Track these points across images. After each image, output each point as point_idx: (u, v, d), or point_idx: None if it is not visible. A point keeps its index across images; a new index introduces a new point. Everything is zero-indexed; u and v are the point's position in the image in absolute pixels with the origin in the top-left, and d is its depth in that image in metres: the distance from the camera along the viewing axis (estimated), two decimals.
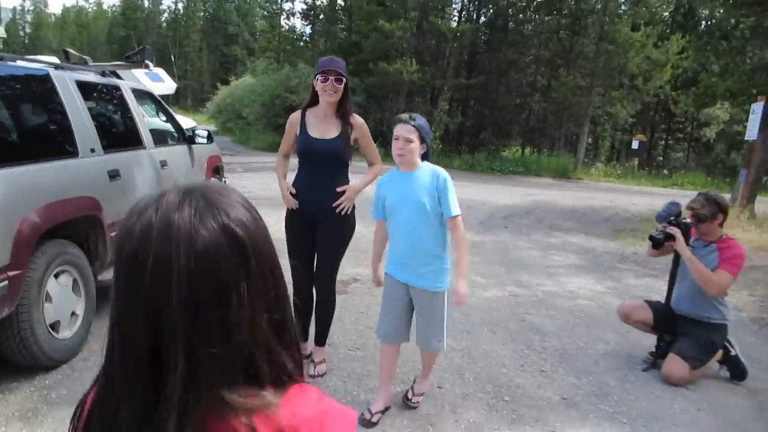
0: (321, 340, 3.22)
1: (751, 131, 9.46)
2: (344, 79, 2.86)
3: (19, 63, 3.37)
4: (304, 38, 28.48)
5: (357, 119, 3.02)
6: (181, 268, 0.60)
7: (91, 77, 4.10)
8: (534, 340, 3.85)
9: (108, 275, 3.71)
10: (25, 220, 2.76)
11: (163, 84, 14.04)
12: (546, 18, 21.62)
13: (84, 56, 4.42)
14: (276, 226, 5.90)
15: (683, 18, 25.18)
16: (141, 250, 0.61)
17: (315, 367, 3.13)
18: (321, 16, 27.33)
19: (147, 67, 4.61)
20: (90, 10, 72.51)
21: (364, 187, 3.04)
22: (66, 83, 3.48)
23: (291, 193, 3.02)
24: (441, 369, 3.27)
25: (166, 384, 0.61)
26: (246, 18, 48.48)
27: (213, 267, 0.62)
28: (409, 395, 2.80)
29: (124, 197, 3.83)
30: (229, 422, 0.63)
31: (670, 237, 3.32)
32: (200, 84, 48.62)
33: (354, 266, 5.36)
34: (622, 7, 21.09)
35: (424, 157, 2.57)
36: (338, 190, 2.96)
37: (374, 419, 2.63)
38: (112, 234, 3.65)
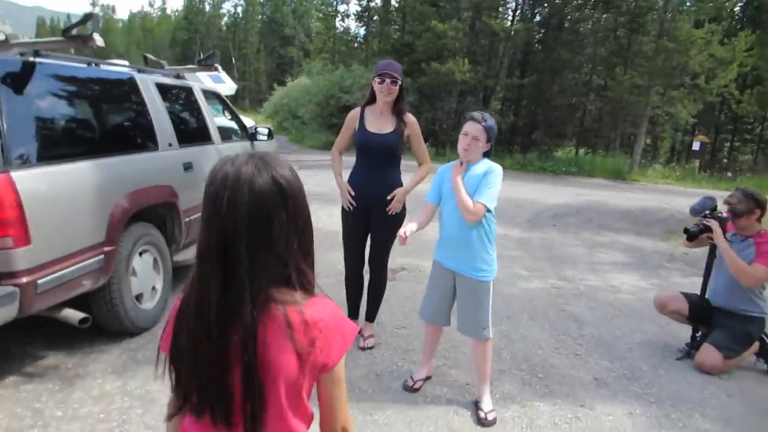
0: (371, 316, 3.55)
1: None
2: (399, 81, 3.15)
3: (109, 67, 3.85)
4: (358, 39, 29.00)
5: (410, 118, 3.29)
6: (245, 199, 0.96)
7: (167, 79, 4.57)
8: (572, 328, 4.03)
9: (182, 256, 4.16)
10: (117, 204, 3.21)
11: (224, 85, 14.73)
12: (603, 16, 21.19)
13: (161, 60, 4.91)
14: (328, 221, 6.28)
15: (755, 11, 24.01)
16: (221, 189, 0.98)
17: (364, 341, 3.45)
18: (375, 18, 27.82)
19: (216, 70, 5.06)
20: (155, 15, 76.08)
21: (412, 188, 3.32)
22: (147, 85, 3.94)
23: (348, 192, 3.33)
24: None
25: (236, 272, 0.96)
26: (302, 20, 49.71)
27: (264, 201, 0.98)
28: (481, 415, 2.71)
29: (196, 187, 4.26)
30: (270, 308, 0.98)
31: (707, 229, 3.44)
32: (258, 85, 50.24)
33: (403, 257, 5.65)
34: (687, 3, 20.40)
35: (486, 154, 2.71)
36: (389, 197, 3.26)
37: (416, 386, 2.92)
38: (186, 219, 4.10)
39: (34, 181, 2.59)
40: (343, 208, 3.43)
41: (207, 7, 61.11)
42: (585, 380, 3.20)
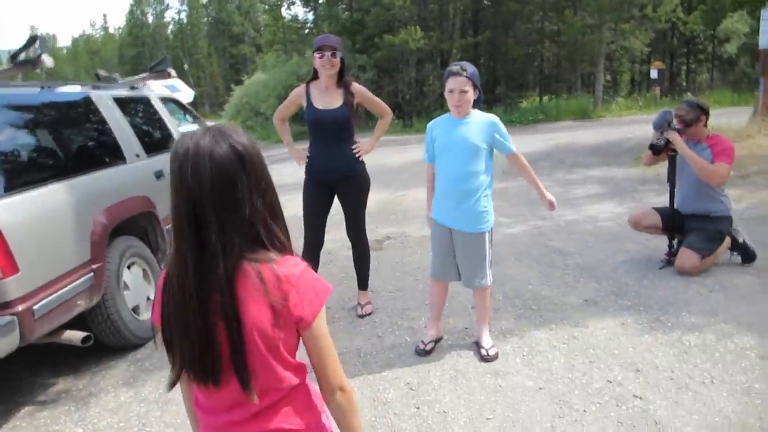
0: (363, 284, 3.63)
1: (764, 39, 9.31)
2: (339, 53, 3.16)
3: (62, 89, 3.84)
4: (307, 25, 28.60)
5: (356, 86, 3.32)
6: (207, 169, 1.02)
7: (123, 92, 4.56)
8: (557, 260, 4.18)
9: None
10: (96, 221, 3.23)
11: (181, 93, 14.55)
12: None
13: (113, 75, 4.88)
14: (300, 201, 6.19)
15: None
16: (184, 162, 1.03)
17: (362, 308, 3.55)
18: (321, 1, 27.46)
19: (170, 75, 5.05)
20: (98, 36, 74.10)
21: (376, 139, 3.40)
22: (104, 100, 3.93)
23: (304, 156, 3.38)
24: (470, 294, 3.64)
25: (207, 237, 1.03)
26: (249, 15, 48.85)
27: (224, 167, 1.03)
28: (483, 353, 2.80)
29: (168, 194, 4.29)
30: (243, 266, 1.05)
31: (669, 142, 3.59)
32: (215, 89, 49.43)
33: (385, 227, 5.76)
34: None
35: (477, 101, 2.69)
36: (353, 147, 3.29)
37: (428, 348, 2.94)
38: (167, 227, 4.13)
39: (8, 211, 2.60)
40: (305, 184, 3.44)
41: (150, 19, 59.72)
42: (576, 304, 3.36)
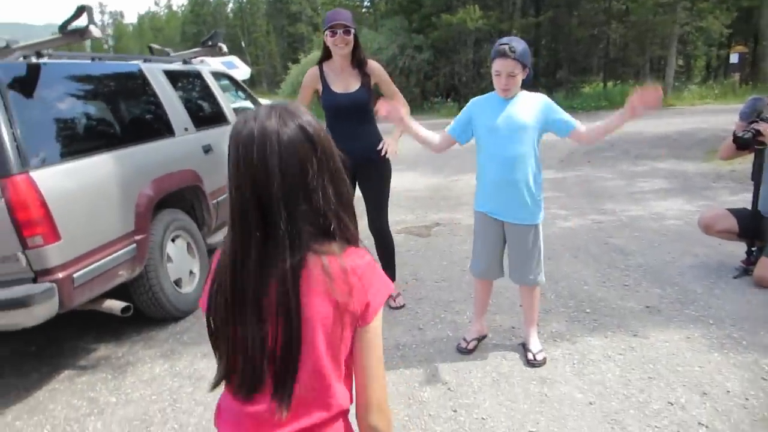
0: (392, 276, 3.41)
1: None
2: (353, 30, 2.93)
3: (114, 61, 3.83)
4: (364, 4, 28.33)
5: (373, 65, 3.10)
6: (275, 153, 0.91)
7: (175, 66, 4.53)
8: (617, 259, 3.88)
9: (216, 239, 4.18)
10: (141, 193, 3.22)
11: (238, 70, 14.66)
12: None
13: (165, 48, 4.86)
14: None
15: None
16: (249, 146, 0.92)
17: (394, 300, 3.39)
18: None
19: (221, 49, 4.98)
20: (162, 13, 76.30)
21: (398, 137, 3.13)
22: (155, 73, 3.91)
23: None
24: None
25: (275, 232, 0.92)
26: None
27: (294, 150, 0.93)
28: (530, 357, 2.62)
29: (218, 168, 4.25)
30: (308, 258, 0.93)
31: (759, 134, 3.18)
32: (273, 67, 49.95)
33: (435, 212, 5.58)
34: None
35: (526, 80, 2.46)
36: (380, 147, 3.06)
37: (470, 346, 2.77)
38: (214, 201, 4.10)
39: (54, 179, 2.59)
40: None
41: None
42: (635, 310, 3.08)
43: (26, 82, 2.77)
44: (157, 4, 78.67)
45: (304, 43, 44.21)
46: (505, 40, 2.38)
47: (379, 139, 3.13)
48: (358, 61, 3.05)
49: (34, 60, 2.97)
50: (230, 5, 61.48)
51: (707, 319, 2.92)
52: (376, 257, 3.38)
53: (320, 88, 3.12)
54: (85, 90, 3.28)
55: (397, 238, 4.83)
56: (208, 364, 2.83)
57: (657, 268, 3.67)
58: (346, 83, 3.06)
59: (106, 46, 77.30)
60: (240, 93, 6.04)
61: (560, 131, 2.46)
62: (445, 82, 20.85)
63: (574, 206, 5.52)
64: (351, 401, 1.04)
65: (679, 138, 9.89)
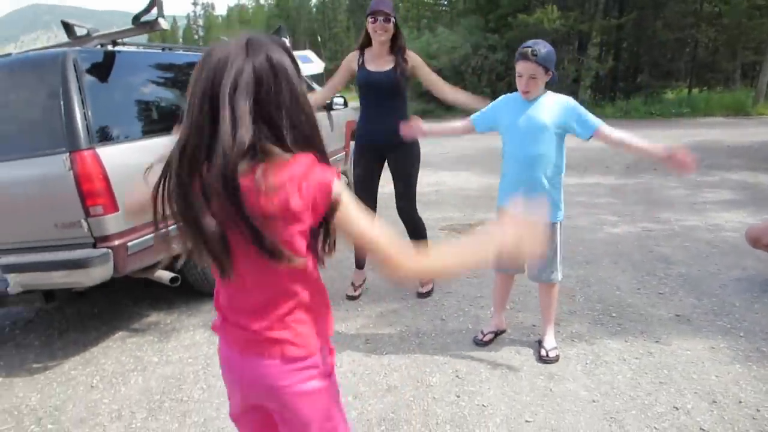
0: None
1: None
2: (393, 18, 3.05)
3: (182, 51, 4.16)
4: (442, 2, 28.34)
5: (412, 54, 3.19)
6: (235, 61, 0.97)
7: None
8: (658, 268, 3.78)
9: None
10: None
11: (312, 65, 15.19)
12: None
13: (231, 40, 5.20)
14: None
15: None
16: (215, 53, 0.99)
17: (423, 286, 3.52)
18: None
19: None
20: (250, 7, 79.49)
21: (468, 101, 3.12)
22: None
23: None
24: None
25: (222, 127, 0.96)
26: None
27: (258, 75, 0.98)
28: (542, 353, 2.65)
29: None
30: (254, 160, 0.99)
31: None
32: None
33: (483, 212, 5.62)
34: None
35: (551, 82, 2.49)
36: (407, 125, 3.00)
37: (486, 339, 2.84)
38: None
39: (117, 156, 2.89)
40: (354, 152, 3.39)
41: None
42: (664, 318, 3.02)
43: (101, 68, 3.10)
44: None
45: None
46: (530, 43, 2.42)
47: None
48: (397, 49, 3.16)
49: (110, 47, 3.32)
50: (314, 0, 63.10)
51: (738, 331, 2.82)
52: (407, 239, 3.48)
53: (356, 67, 3.25)
54: (153, 77, 3.61)
55: (440, 235, 4.94)
56: (207, 336, 3.06)
57: (698, 279, 3.55)
58: (381, 64, 3.18)
59: (196, 36, 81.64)
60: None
61: (582, 133, 2.44)
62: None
63: (626, 213, 5.37)
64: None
65: (761, 149, 9.29)
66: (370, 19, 3.10)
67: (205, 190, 1.00)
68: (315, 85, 6.29)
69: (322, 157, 1.09)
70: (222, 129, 0.97)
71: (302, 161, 1.04)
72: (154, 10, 3.25)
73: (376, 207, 3.48)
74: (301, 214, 1.03)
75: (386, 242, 1.07)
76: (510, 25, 19.32)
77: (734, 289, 3.36)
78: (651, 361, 2.58)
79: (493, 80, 20.00)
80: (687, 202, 5.79)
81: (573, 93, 20.74)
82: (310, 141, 1.07)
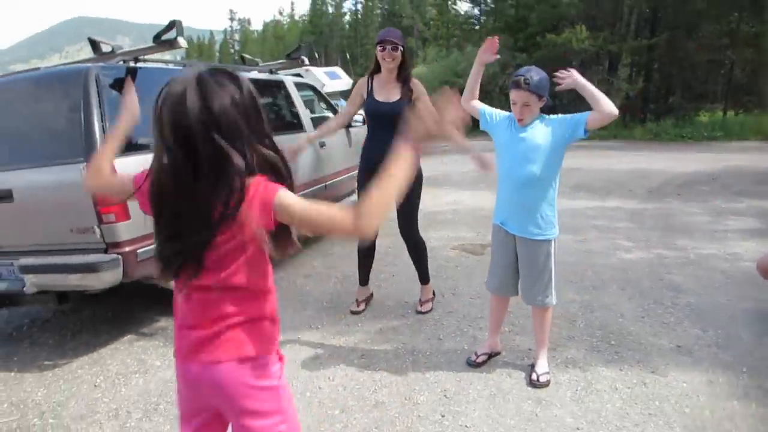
0: (422, 278, 3.63)
1: None
2: (400, 47, 3.20)
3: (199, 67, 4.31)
4: (471, 21, 28.50)
5: (417, 84, 3.34)
6: (190, 114, 1.10)
7: (260, 75, 4.99)
8: (666, 296, 3.72)
9: None
10: None
11: (340, 81, 15.49)
12: None
13: (256, 59, 5.36)
14: (430, 202, 6.44)
15: None
16: (174, 96, 1.12)
17: (421, 305, 3.59)
18: None
19: (303, 62, 5.40)
20: (285, 22, 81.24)
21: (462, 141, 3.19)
22: None
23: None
24: (553, 315, 3.38)
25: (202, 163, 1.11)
26: (419, 9, 49.79)
27: (213, 100, 1.12)
28: (533, 377, 2.65)
29: None
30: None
31: None
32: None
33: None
34: None
35: (546, 107, 2.54)
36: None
37: (479, 360, 2.84)
38: None
39: (131, 166, 2.98)
40: (360, 176, 3.51)
41: (330, 9, 63.86)
42: (665, 348, 2.98)
43: (122, 83, 3.25)
44: (281, 13, 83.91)
45: (412, 56, 44.99)
46: (522, 70, 2.48)
47: None
48: (403, 77, 3.31)
49: (131, 64, 3.48)
50: (346, 17, 64.09)
51: (741, 366, 2.76)
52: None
53: (365, 95, 3.40)
54: None
55: (450, 254, 4.96)
56: None
57: (706, 310, 3.48)
58: (388, 93, 3.34)
59: (232, 50, 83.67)
60: (322, 103, 6.45)
61: (579, 131, 2.42)
62: (545, 102, 20.41)
63: (642, 239, 5.30)
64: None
65: None
66: (379, 47, 3.25)
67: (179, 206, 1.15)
68: (342, 101, 6.45)
69: (286, 177, 1.20)
70: (202, 163, 1.12)
71: (254, 183, 1.15)
72: (174, 31, 3.40)
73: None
74: (247, 228, 1.15)
75: (330, 213, 1.16)
76: (539, 45, 19.31)
77: (743, 322, 3.28)
78: (643, 391, 2.54)
79: None
80: (707, 230, 5.68)
81: None
82: (274, 166, 1.18)
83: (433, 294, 3.71)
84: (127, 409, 2.60)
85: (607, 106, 2.35)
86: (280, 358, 1.32)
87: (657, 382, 2.63)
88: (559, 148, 2.50)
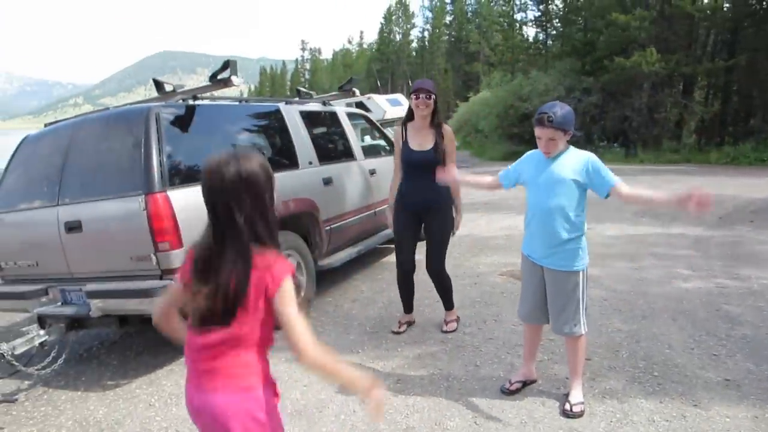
0: (447, 305, 3.86)
1: None
2: (433, 95, 3.47)
3: (258, 103, 4.62)
4: (537, 45, 28.30)
5: (447, 129, 3.59)
6: (227, 185, 1.38)
7: (313, 107, 5.26)
8: (720, 328, 3.55)
9: (327, 261, 4.70)
10: None
11: (401, 107, 15.82)
12: None
13: (310, 92, 5.66)
14: (485, 227, 6.52)
15: None
16: (214, 181, 1.40)
17: (446, 324, 3.80)
18: (555, 21, 26.91)
19: (354, 93, 5.65)
20: (354, 51, 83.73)
21: (460, 209, 3.71)
22: (291, 113, 4.63)
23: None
24: (596, 344, 3.35)
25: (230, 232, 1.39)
26: (486, 35, 50.00)
27: (235, 186, 1.38)
28: (566, 407, 2.62)
29: (336, 199, 4.82)
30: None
31: None
32: (446, 104, 51.65)
33: None
34: None
35: (573, 138, 2.56)
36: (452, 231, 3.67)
37: (512, 388, 2.84)
38: (327, 228, 4.65)
39: (185, 198, 3.28)
40: (395, 211, 3.74)
41: (397, 37, 65.26)
42: (712, 381, 2.85)
43: (180, 120, 3.56)
44: (350, 41, 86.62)
45: (478, 81, 45.14)
46: (546, 107, 2.49)
47: (447, 191, 3.57)
48: (436, 123, 3.57)
49: (190, 102, 3.79)
50: (413, 44, 65.24)
51: None
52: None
53: (401, 143, 3.65)
54: (227, 127, 4.05)
55: (497, 280, 4.95)
56: (286, 368, 3.26)
57: (763, 343, 3.29)
58: (422, 141, 3.57)
59: (302, 79, 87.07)
60: (375, 132, 6.65)
61: (599, 190, 2.48)
62: (613, 126, 19.85)
63: (703, 267, 5.06)
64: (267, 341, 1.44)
65: None
66: (413, 96, 3.51)
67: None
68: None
69: (278, 248, 1.45)
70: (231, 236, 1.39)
71: (270, 254, 1.40)
72: (228, 71, 3.70)
73: (414, 262, 3.74)
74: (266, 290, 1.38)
75: (302, 329, 1.35)
76: (606, 68, 18.90)
77: None
78: (682, 424, 2.45)
79: (587, 123, 19.53)
80: None
81: (676, 138, 19.67)
82: (271, 235, 1.44)
83: (458, 318, 3.92)
84: (176, 428, 2.79)
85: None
86: (275, 393, 1.49)
87: (698, 415, 2.52)
88: (583, 185, 2.51)
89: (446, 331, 3.74)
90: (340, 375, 1.42)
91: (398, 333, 3.79)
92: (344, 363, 1.43)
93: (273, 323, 1.42)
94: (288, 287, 1.38)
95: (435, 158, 3.49)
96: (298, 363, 1.36)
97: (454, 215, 3.69)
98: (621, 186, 2.43)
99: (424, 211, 3.61)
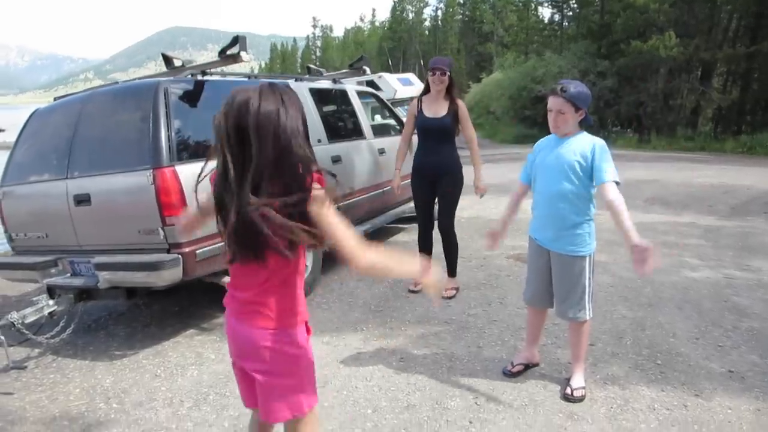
0: (450, 271, 4.13)
1: None
2: (448, 72, 3.82)
3: (266, 80, 4.59)
4: (552, 26, 27.83)
5: (461, 104, 3.93)
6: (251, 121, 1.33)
7: (323, 84, 5.22)
8: (727, 319, 3.53)
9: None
10: None
11: (413, 87, 15.69)
12: None
13: (320, 69, 5.61)
14: (494, 210, 6.43)
15: None
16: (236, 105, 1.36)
17: (446, 291, 4.04)
18: (572, 2, 26.40)
19: (364, 71, 5.61)
20: (366, 29, 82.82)
21: (480, 170, 3.97)
22: (301, 91, 4.59)
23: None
24: (600, 330, 3.35)
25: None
26: (500, 15, 49.20)
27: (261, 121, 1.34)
28: (567, 391, 2.61)
29: (344, 177, 4.80)
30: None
31: None
32: (459, 84, 50.91)
33: None
34: None
35: (585, 121, 2.51)
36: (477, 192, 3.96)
37: (514, 370, 2.85)
38: (335, 206, 4.64)
39: (192, 173, 3.28)
40: (412, 178, 4.02)
41: (410, 15, 64.42)
42: (715, 372, 2.84)
43: (189, 95, 3.55)
44: (362, 19, 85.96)
45: (491, 62, 44.57)
46: (563, 81, 2.50)
47: (457, 157, 3.90)
48: (450, 96, 3.92)
49: (199, 77, 3.77)
50: (426, 23, 64.40)
51: None
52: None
53: (416, 113, 3.93)
54: None
55: (505, 263, 4.95)
56: None
57: None
58: (436, 110, 3.92)
59: (313, 56, 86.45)
60: (385, 110, 6.61)
61: (596, 179, 2.43)
62: (627, 111, 19.59)
63: (712, 257, 5.01)
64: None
65: None
66: (430, 73, 3.88)
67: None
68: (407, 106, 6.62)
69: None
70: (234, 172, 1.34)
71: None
72: (237, 46, 3.67)
73: (433, 221, 4.15)
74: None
75: (346, 235, 1.38)
76: (622, 52, 18.59)
77: None
78: (682, 414, 2.45)
79: (601, 107, 19.28)
80: None
81: (691, 125, 19.38)
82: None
83: (458, 287, 4.16)
84: (181, 398, 2.84)
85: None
86: (308, 330, 1.54)
87: (699, 405, 2.52)
88: (588, 169, 2.46)
89: (445, 297, 3.98)
90: (393, 273, 1.47)
91: (414, 292, 4.13)
92: (394, 257, 1.45)
93: (303, 252, 1.46)
94: (322, 197, 1.37)
95: (449, 123, 3.83)
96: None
97: (474, 182, 3.94)
98: (609, 189, 2.33)
99: (439, 175, 3.91)
